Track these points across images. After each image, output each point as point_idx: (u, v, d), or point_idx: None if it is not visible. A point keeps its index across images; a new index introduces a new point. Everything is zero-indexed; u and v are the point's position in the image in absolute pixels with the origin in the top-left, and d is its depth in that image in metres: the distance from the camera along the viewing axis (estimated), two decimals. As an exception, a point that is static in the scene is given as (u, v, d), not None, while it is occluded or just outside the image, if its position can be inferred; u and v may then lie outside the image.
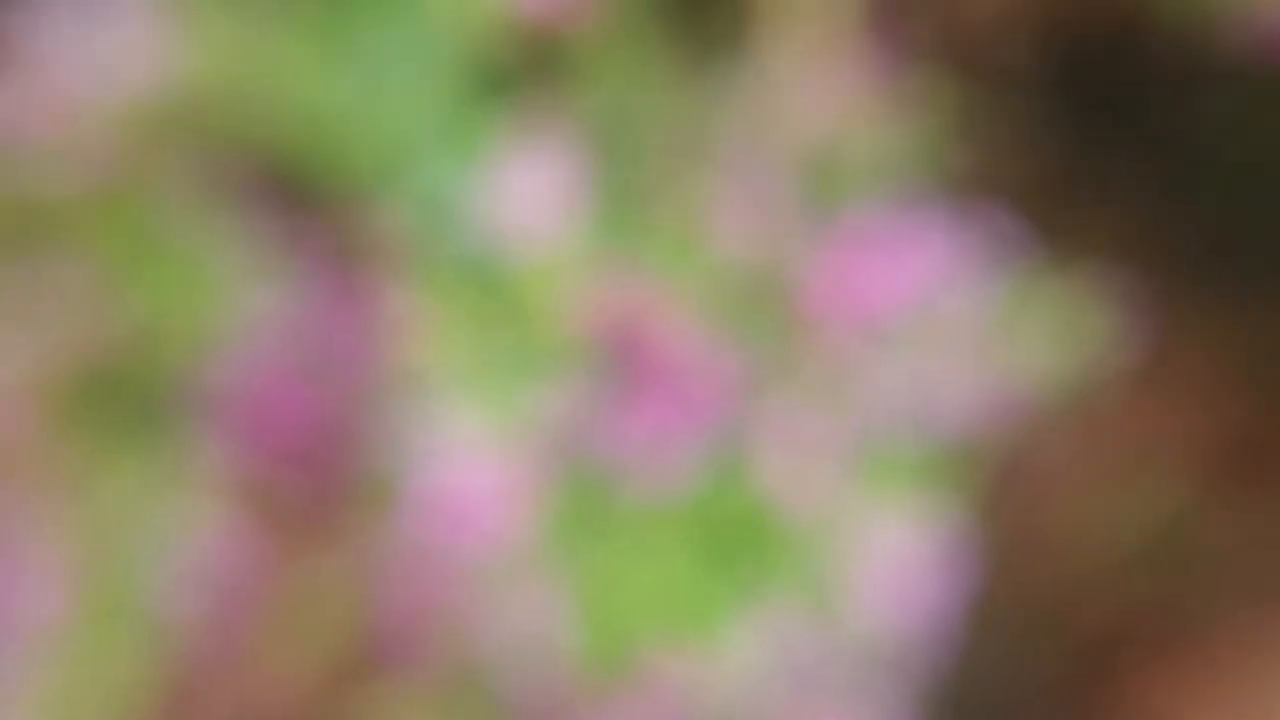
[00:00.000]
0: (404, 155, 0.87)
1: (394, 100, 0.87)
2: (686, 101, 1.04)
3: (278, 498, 1.03)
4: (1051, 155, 1.20)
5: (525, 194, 0.86)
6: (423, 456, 0.85)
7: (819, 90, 1.05)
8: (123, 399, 1.01)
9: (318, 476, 1.09)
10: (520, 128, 0.88)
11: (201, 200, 1.03)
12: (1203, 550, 1.12)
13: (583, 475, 0.88)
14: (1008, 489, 0.98)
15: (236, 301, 1.03)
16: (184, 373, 1.07)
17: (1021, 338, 0.93)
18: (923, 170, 0.99)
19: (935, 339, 0.94)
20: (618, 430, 0.86)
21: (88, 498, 0.94)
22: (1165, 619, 1.11)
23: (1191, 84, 1.21)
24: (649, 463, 0.84)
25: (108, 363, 1.06)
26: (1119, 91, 1.20)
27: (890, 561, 0.87)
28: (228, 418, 1.03)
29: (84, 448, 0.98)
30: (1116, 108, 1.18)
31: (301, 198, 1.02)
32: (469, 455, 0.81)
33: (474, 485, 0.81)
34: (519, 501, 0.81)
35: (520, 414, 0.83)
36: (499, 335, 0.85)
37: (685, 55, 1.05)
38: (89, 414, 0.99)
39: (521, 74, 0.95)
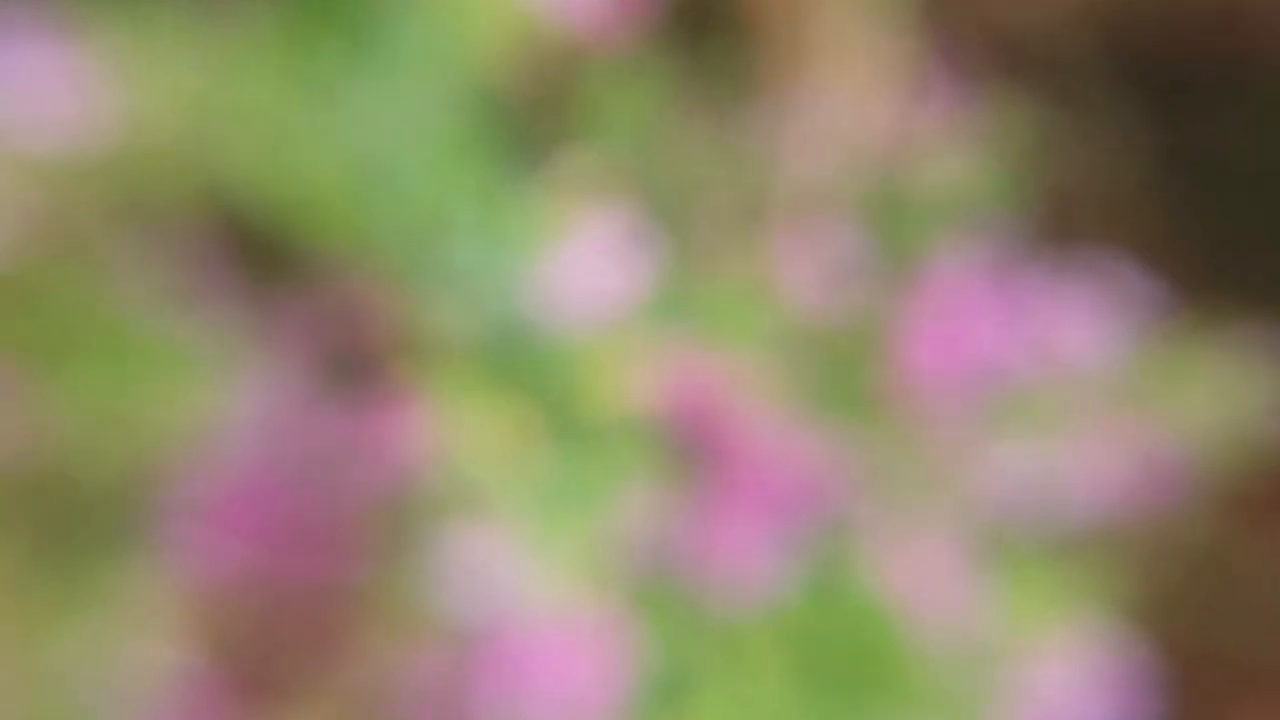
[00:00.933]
0: (411, 215, 0.69)
1: (390, 147, 0.70)
2: (721, 146, 0.88)
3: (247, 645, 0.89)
4: (1137, 176, 1.04)
5: (576, 261, 0.69)
6: (468, 591, 0.68)
7: (876, 122, 0.90)
8: (55, 514, 0.90)
9: (299, 611, 0.92)
10: (549, 180, 0.71)
11: (154, 275, 0.84)
12: None
13: (665, 600, 0.71)
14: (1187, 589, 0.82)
15: (199, 399, 0.84)
16: (131, 485, 0.89)
17: (1165, 399, 0.78)
18: (1006, 204, 0.84)
19: (1058, 404, 0.78)
20: (700, 541, 0.74)
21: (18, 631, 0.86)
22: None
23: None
24: (740, 576, 0.76)
25: (36, 472, 0.85)
26: (1195, 100, 1.05)
27: (1046, 685, 0.71)
28: (188, 537, 0.84)
29: (12, 570, 0.87)
30: (1197, 117, 1.03)
31: (280, 270, 0.84)
32: (535, 588, 0.64)
33: (547, 628, 0.64)
34: (604, 646, 0.64)
35: (589, 533, 0.66)
36: (552, 434, 0.68)
37: (699, 94, 0.89)
38: (16, 531, 0.88)
39: (532, 117, 0.78)
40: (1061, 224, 0.84)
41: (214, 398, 0.85)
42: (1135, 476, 0.78)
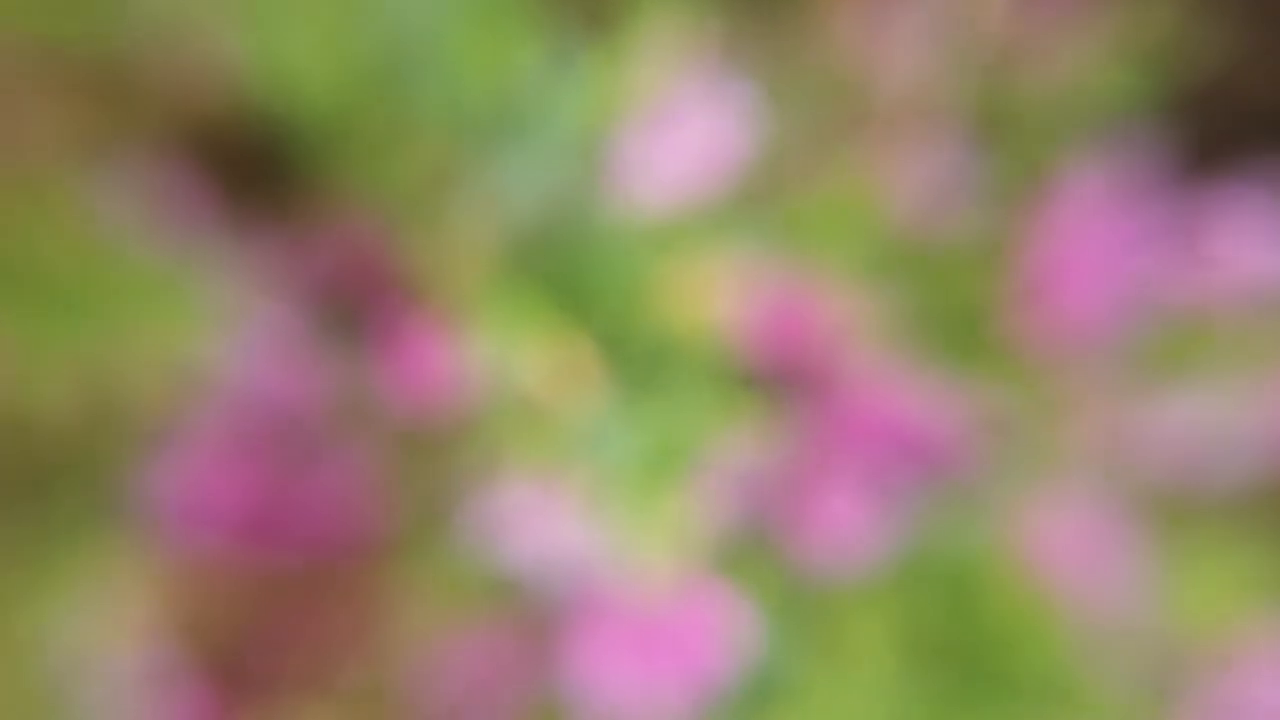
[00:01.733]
0: (456, 92, 0.55)
1: (431, 16, 0.55)
2: (814, 46, 0.74)
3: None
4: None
5: (649, 144, 0.54)
6: (518, 556, 0.54)
7: (986, 18, 0.76)
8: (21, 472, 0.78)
9: (297, 592, 0.78)
10: (619, 51, 0.57)
11: (130, 204, 0.73)
12: None
13: (753, 570, 0.57)
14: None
15: (180, 341, 0.73)
16: (101, 440, 0.77)
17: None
18: (1144, 112, 0.70)
19: (1225, 341, 0.64)
20: (792, 498, 0.64)
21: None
22: None
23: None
24: (839, 540, 0.64)
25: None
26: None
27: (1226, 682, 0.57)
28: (168, 500, 0.75)
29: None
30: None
31: (276, 199, 0.70)
32: (602, 555, 0.50)
33: (621, 600, 0.50)
34: (685, 618, 0.49)
35: (664, 487, 0.52)
36: (616, 364, 0.53)
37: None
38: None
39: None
40: (1213, 132, 0.70)
41: (196, 340, 0.70)
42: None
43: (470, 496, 0.59)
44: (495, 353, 0.58)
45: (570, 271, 0.58)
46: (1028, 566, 0.63)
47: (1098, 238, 0.68)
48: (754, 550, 0.60)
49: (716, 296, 0.59)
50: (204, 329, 0.73)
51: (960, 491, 0.65)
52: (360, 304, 0.69)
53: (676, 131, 0.58)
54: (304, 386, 0.73)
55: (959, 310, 0.69)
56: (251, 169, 0.77)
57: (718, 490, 0.57)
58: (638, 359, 0.58)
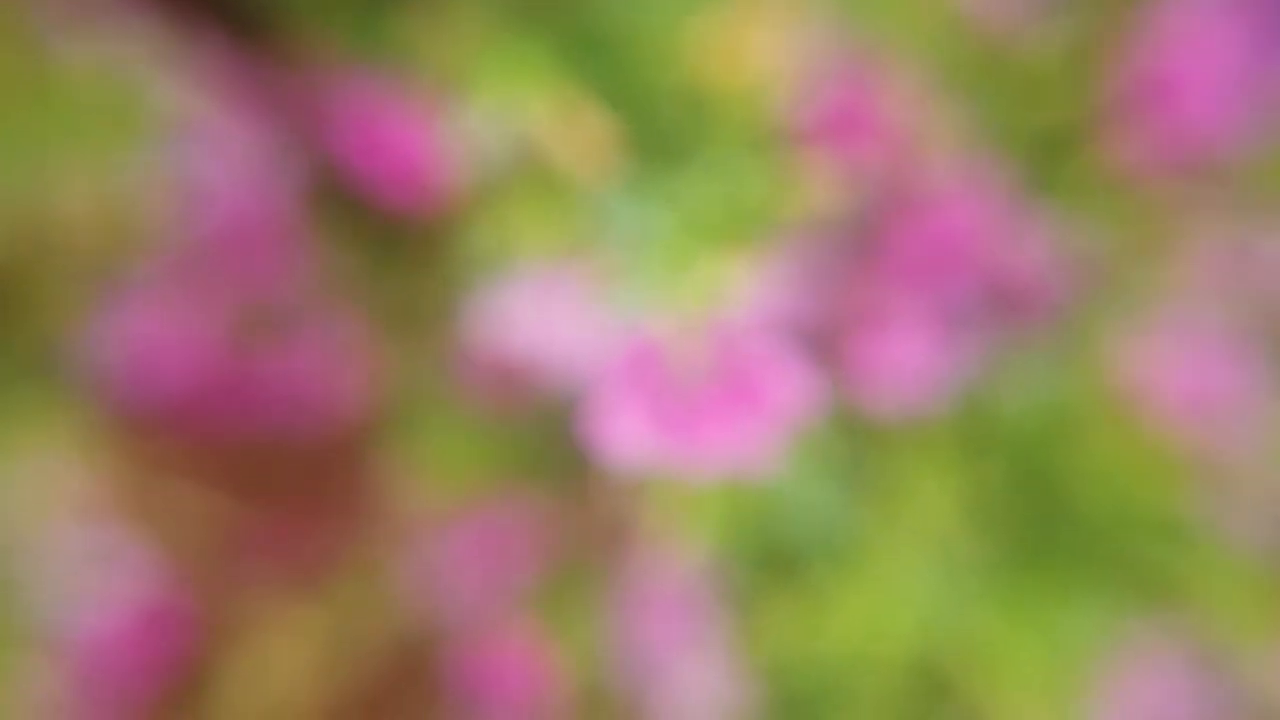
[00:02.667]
0: None
1: None
2: None
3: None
4: None
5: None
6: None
7: None
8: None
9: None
10: None
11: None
12: None
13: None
14: None
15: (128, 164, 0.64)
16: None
17: None
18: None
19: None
20: (848, 319, 0.55)
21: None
22: None
23: None
24: (900, 372, 0.55)
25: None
26: None
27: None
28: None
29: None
30: None
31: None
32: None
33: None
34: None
35: (697, 288, 0.42)
36: (651, 130, 0.43)
37: None
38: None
39: None
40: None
41: (142, 162, 0.60)
42: None
43: (472, 292, 0.48)
44: (495, 121, 0.47)
45: (585, 22, 0.48)
46: (1133, 409, 0.52)
47: (1211, 43, 0.57)
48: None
49: (762, 56, 0.48)
50: (150, 149, 0.62)
51: (1046, 332, 0.54)
52: (327, 112, 0.58)
53: None
54: (267, 209, 0.62)
55: (1047, 131, 0.58)
56: None
57: (759, 293, 0.46)
58: (666, 125, 0.48)
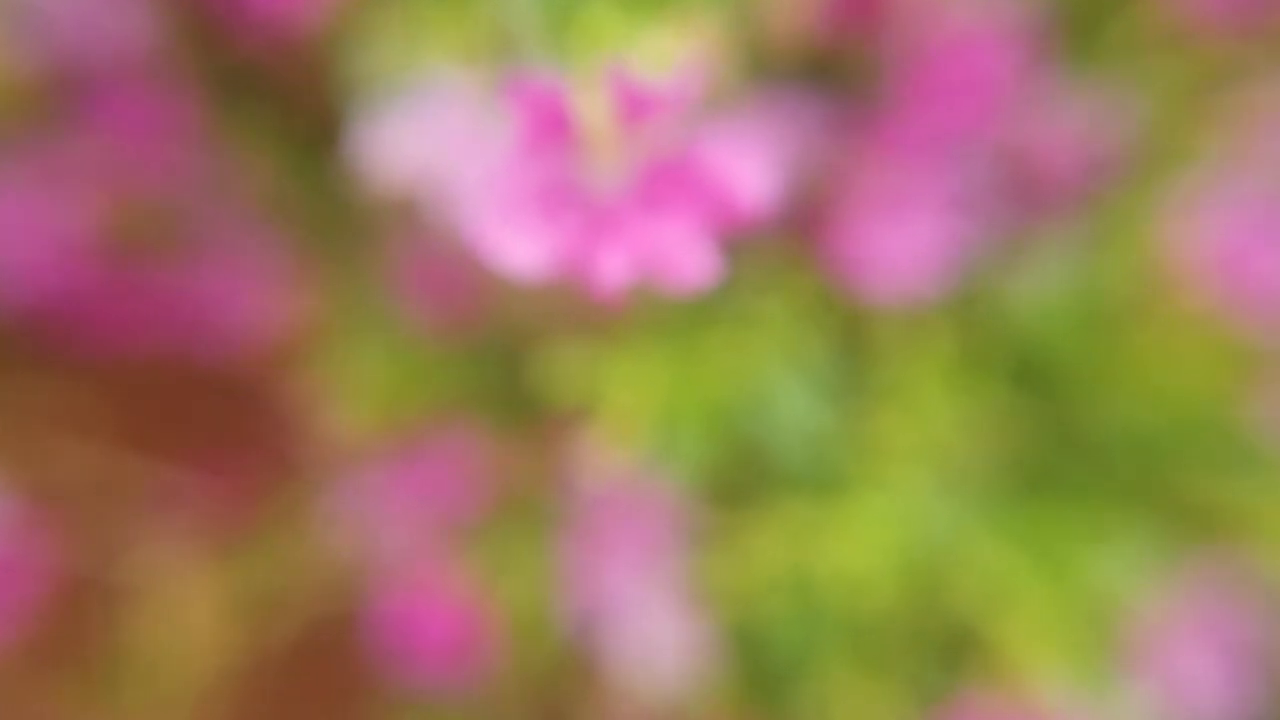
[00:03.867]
0: None
1: None
2: None
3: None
4: None
5: None
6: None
7: None
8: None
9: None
10: None
11: None
12: None
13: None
14: None
15: None
16: None
17: None
18: None
19: None
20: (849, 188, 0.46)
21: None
22: None
23: None
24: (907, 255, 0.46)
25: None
26: None
27: None
28: None
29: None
30: None
31: None
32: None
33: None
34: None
35: None
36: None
37: None
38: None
39: None
40: None
41: None
42: None
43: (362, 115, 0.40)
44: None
45: None
46: (1176, 302, 0.43)
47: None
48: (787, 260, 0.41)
49: None
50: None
51: (1074, 215, 0.45)
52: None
53: None
54: (137, 61, 0.53)
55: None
56: None
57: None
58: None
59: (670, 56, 0.34)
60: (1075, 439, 0.46)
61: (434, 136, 0.41)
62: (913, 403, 0.45)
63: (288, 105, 0.62)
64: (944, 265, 0.46)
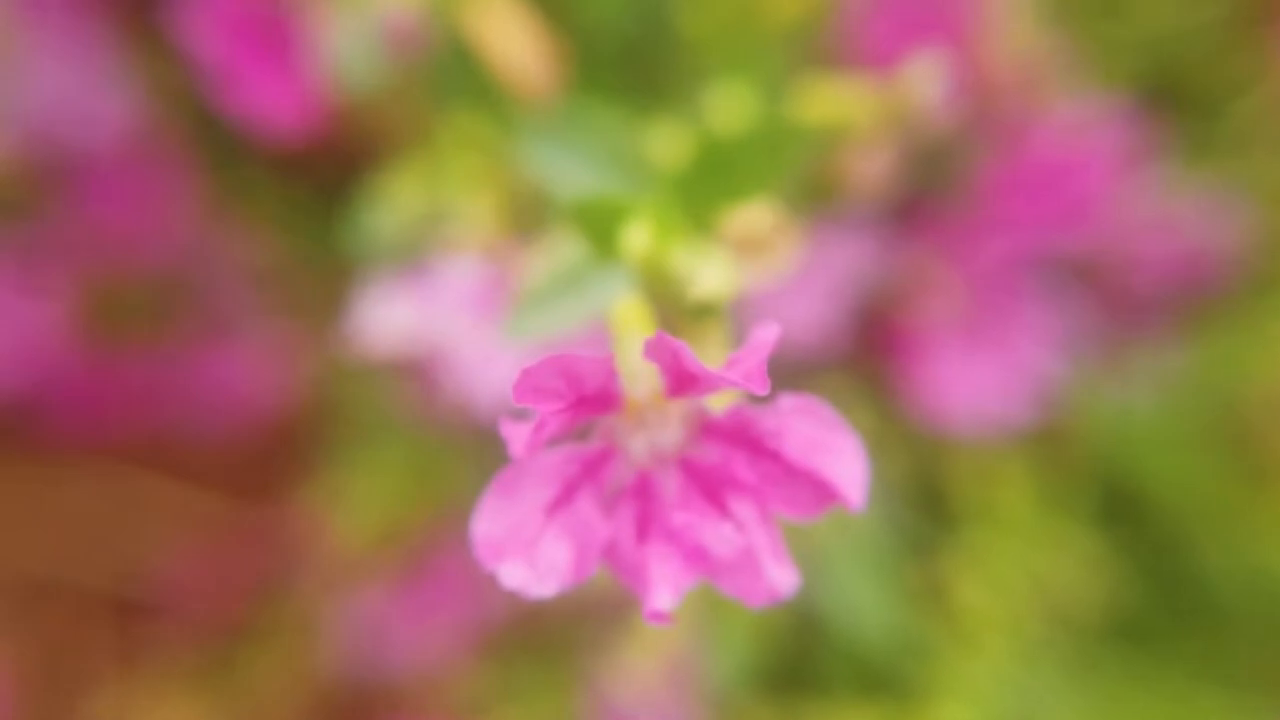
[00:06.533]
0: None
1: None
2: None
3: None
4: None
5: None
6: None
7: None
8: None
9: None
10: None
11: None
12: None
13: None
14: None
15: None
16: None
17: None
18: None
19: None
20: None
21: None
22: None
23: None
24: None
25: None
26: None
27: None
28: None
29: None
30: None
31: None
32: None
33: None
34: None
35: None
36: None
37: None
38: None
39: None
40: None
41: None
42: None
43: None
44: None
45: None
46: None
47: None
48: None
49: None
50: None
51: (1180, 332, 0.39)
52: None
53: None
54: (128, 145, 0.48)
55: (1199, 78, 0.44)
56: None
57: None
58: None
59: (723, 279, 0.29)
60: (1183, 592, 0.39)
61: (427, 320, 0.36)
62: (994, 561, 0.38)
63: (289, 172, 0.56)
64: (1031, 397, 0.40)
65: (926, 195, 0.42)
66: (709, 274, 0.29)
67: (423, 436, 0.52)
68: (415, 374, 0.47)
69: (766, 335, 0.27)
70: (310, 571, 0.57)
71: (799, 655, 0.39)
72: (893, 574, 0.38)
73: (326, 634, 0.55)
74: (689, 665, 0.39)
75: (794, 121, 0.31)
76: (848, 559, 0.38)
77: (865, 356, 0.42)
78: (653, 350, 0.28)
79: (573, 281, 0.31)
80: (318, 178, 0.54)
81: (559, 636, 0.50)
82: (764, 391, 0.27)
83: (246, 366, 0.57)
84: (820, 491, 0.29)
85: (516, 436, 0.28)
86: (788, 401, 0.28)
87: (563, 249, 0.32)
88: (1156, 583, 0.42)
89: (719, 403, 0.29)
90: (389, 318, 0.38)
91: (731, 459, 0.28)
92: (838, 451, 0.28)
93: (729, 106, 0.33)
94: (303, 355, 0.57)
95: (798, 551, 0.32)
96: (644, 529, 0.29)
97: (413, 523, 0.54)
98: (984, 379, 0.41)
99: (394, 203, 0.39)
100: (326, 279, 0.56)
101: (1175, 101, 0.44)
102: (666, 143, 0.34)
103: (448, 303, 0.37)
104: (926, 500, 0.42)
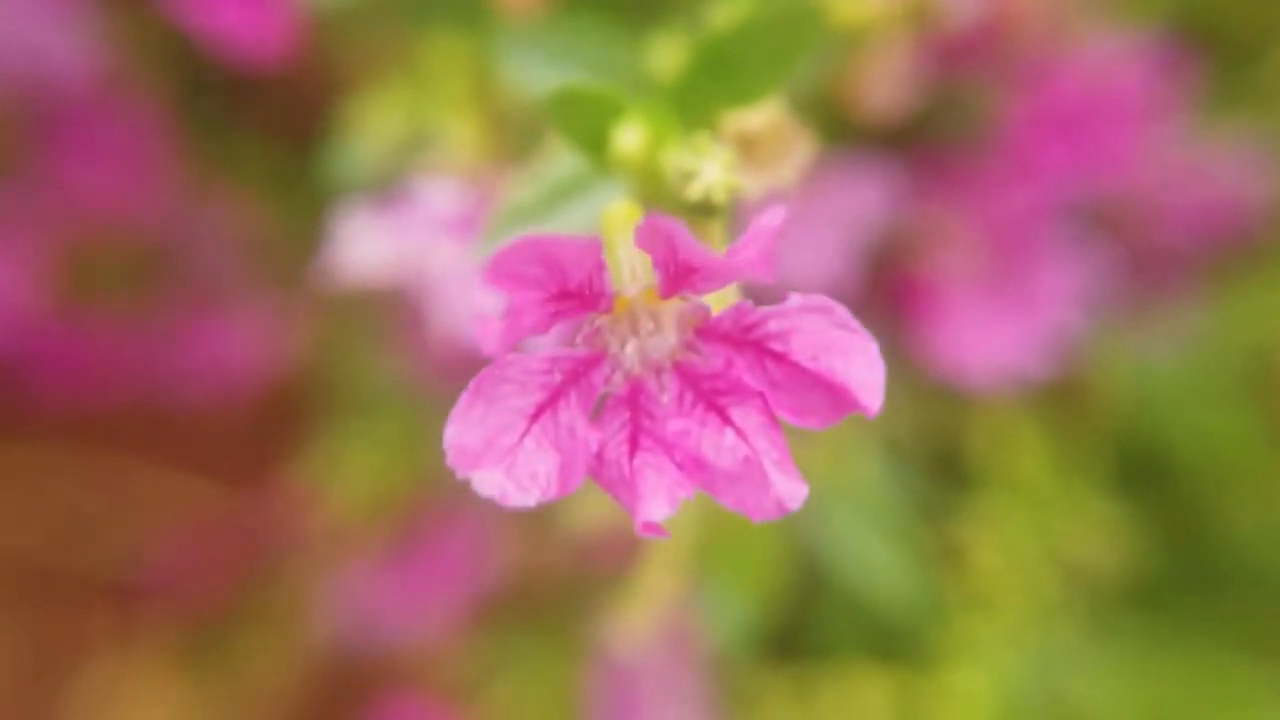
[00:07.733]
0: None
1: None
2: None
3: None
4: None
5: None
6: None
7: None
8: None
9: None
10: None
11: None
12: None
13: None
14: None
15: None
16: None
17: None
18: None
19: None
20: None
21: None
22: None
23: None
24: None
25: None
26: None
27: None
28: None
29: None
30: None
31: None
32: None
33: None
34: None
35: None
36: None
37: None
38: None
39: None
40: None
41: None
42: None
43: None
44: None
45: None
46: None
47: None
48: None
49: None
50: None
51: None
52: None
53: None
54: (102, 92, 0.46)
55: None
56: None
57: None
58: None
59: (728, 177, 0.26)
60: (1206, 554, 0.37)
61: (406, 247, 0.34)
62: (1010, 522, 0.36)
63: (272, 128, 0.54)
64: (1050, 353, 0.38)
65: (944, 140, 0.40)
66: (710, 170, 0.27)
67: (414, 407, 0.50)
68: (403, 318, 0.45)
69: (771, 220, 0.24)
70: (302, 549, 0.55)
71: (805, 617, 0.37)
72: (905, 535, 0.36)
73: (319, 611, 0.53)
74: (689, 628, 0.37)
75: (805, 5, 0.29)
76: (857, 517, 0.36)
77: (876, 309, 0.40)
78: (645, 235, 0.26)
79: (559, 194, 0.29)
80: (304, 144, 0.52)
81: (556, 606, 0.48)
82: (774, 279, 0.25)
83: (234, 338, 0.56)
84: (833, 396, 0.27)
85: (488, 333, 0.26)
86: (796, 300, 0.26)
87: (549, 165, 0.30)
88: (1178, 545, 0.40)
89: (719, 303, 0.27)
90: (369, 247, 0.36)
91: (733, 363, 0.26)
92: (853, 352, 0.26)
93: (733, 7, 0.31)
94: (292, 326, 0.55)
95: (803, 510, 0.30)
96: (636, 440, 0.26)
97: (405, 494, 0.52)
98: (1002, 334, 0.39)
99: (373, 129, 0.37)
100: (314, 249, 0.54)
101: (1209, 44, 0.42)
102: (664, 54, 0.32)
103: (429, 229, 0.36)
104: (941, 460, 0.39)
